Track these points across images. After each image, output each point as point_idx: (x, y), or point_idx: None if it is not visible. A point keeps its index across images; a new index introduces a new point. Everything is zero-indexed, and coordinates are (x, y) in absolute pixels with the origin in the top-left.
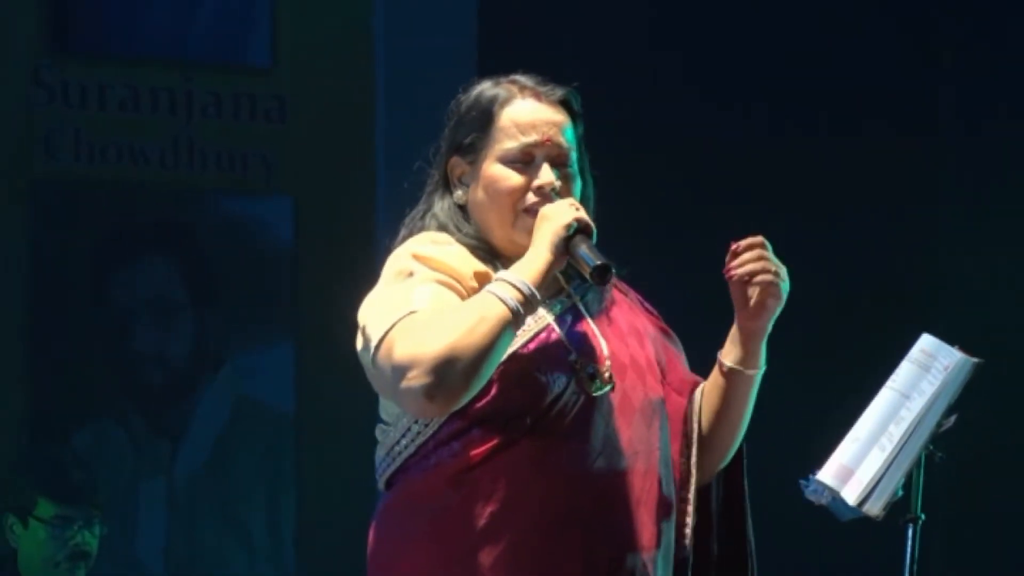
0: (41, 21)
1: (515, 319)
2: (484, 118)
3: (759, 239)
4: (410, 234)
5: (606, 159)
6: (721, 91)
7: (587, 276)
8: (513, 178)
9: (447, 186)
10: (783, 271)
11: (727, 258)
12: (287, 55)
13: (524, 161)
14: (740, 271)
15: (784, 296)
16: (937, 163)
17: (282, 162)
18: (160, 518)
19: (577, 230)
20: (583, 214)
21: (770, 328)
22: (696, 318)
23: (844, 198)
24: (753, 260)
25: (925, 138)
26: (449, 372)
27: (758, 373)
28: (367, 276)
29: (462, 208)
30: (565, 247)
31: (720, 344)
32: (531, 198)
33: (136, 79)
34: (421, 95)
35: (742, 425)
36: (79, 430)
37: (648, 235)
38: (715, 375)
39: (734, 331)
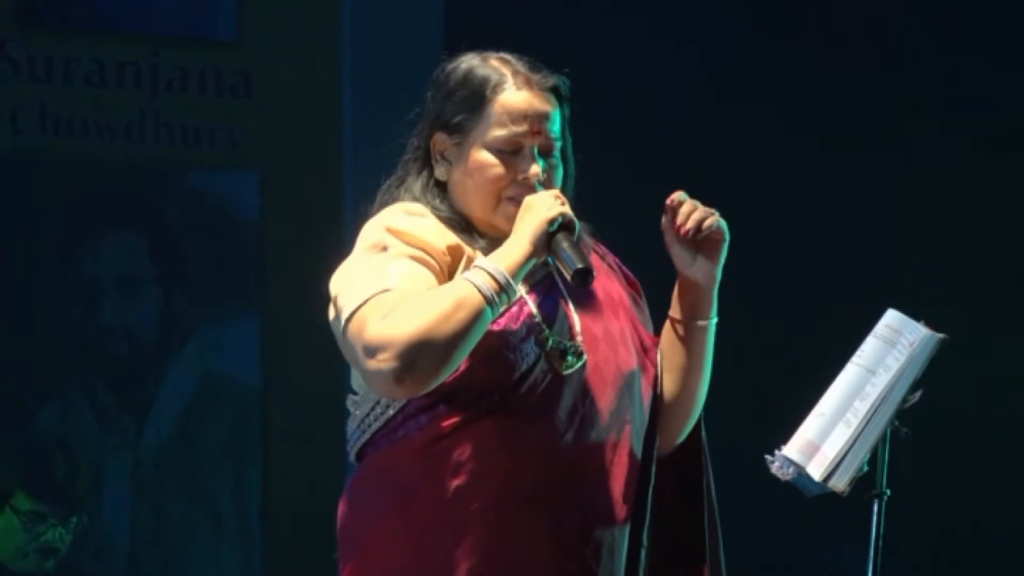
0: None
1: (490, 308)
2: (475, 100)
3: (684, 193)
4: (384, 204)
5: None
6: (679, 72)
7: (568, 277)
8: (499, 167)
9: (427, 160)
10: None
11: (666, 217)
12: (254, 29)
13: (512, 151)
14: (691, 224)
15: (727, 237)
16: (901, 135)
17: (248, 137)
18: (126, 492)
19: (561, 225)
20: (567, 209)
21: (719, 276)
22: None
23: (808, 172)
24: (692, 210)
25: (892, 107)
26: (420, 358)
27: (712, 322)
28: (333, 250)
29: (440, 184)
30: (547, 242)
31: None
32: (515, 188)
33: (102, 53)
34: (388, 69)
35: (702, 383)
36: (46, 405)
37: (617, 210)
38: (669, 335)
39: (680, 288)
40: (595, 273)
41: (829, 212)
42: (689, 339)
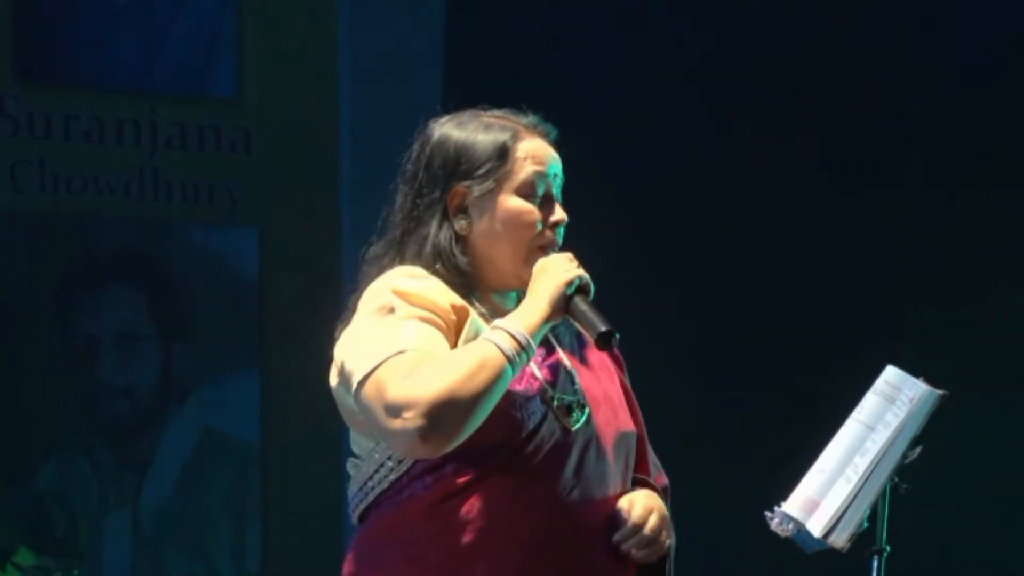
0: (6, 51)
1: (512, 368)
2: (499, 150)
3: (635, 526)
4: (386, 266)
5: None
6: (680, 110)
7: (592, 339)
8: (533, 213)
9: (445, 214)
10: (667, 531)
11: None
12: (252, 86)
13: (538, 195)
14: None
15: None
16: (901, 192)
17: (247, 193)
18: (126, 549)
19: (577, 288)
20: (583, 272)
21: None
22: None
23: (810, 229)
24: (634, 545)
25: (890, 173)
26: (446, 416)
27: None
28: (332, 306)
29: (459, 239)
30: (565, 304)
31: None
32: (546, 234)
33: (102, 110)
34: (386, 125)
35: None
36: (45, 462)
37: (605, 251)
38: None
39: None
40: (618, 336)
41: (829, 266)
42: None
